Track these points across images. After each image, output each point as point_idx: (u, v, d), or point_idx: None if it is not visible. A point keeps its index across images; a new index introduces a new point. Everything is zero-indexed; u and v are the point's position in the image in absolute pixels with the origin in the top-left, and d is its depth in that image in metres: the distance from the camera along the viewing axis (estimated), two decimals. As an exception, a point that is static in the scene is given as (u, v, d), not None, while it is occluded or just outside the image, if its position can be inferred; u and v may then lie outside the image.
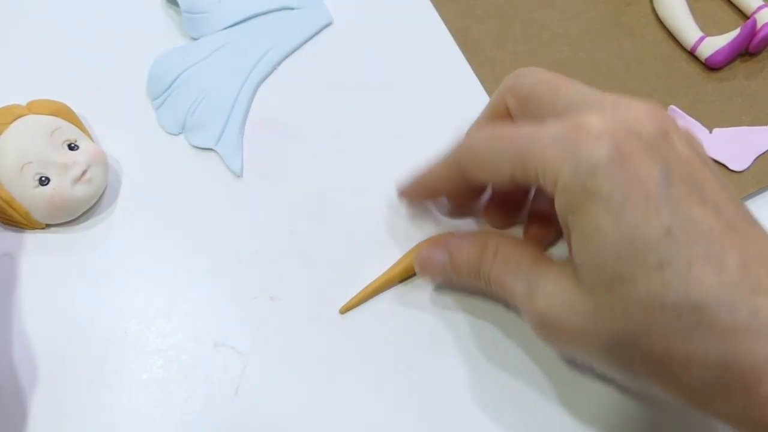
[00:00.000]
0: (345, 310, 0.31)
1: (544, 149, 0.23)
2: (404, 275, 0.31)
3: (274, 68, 0.37)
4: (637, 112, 0.23)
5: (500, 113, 0.28)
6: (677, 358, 0.21)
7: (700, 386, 0.22)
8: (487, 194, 0.31)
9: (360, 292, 0.31)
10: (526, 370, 0.30)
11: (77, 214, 0.33)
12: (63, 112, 0.33)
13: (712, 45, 0.36)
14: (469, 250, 0.28)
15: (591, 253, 0.22)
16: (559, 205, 0.23)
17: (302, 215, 0.33)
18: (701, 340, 0.21)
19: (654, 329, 0.21)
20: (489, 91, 0.36)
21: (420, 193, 0.31)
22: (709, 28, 0.37)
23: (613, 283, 0.22)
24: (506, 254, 0.27)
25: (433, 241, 0.30)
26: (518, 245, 0.27)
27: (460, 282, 0.29)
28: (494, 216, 0.31)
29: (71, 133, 0.33)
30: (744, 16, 0.38)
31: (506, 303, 0.30)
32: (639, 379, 0.23)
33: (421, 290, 0.32)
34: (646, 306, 0.21)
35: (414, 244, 0.32)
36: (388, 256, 0.32)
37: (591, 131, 0.22)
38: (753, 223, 0.23)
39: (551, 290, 0.24)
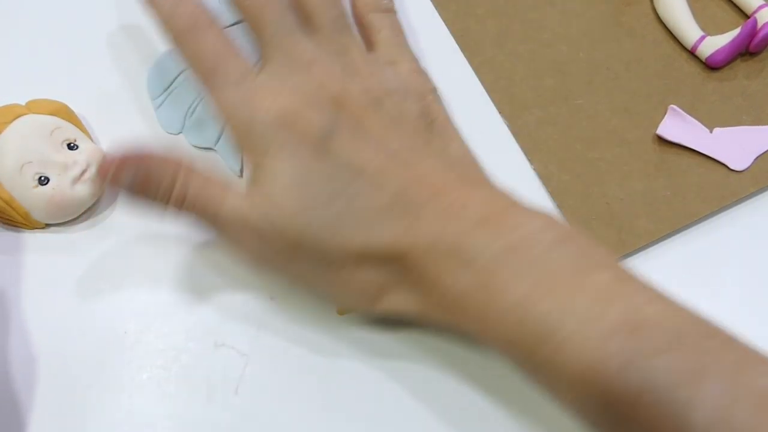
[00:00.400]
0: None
1: (231, 108, 0.29)
2: None
3: (274, 68, 0.37)
4: (320, 78, 0.29)
5: None
6: (333, 245, 0.27)
7: (364, 280, 0.28)
8: None
9: None
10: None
11: (77, 214, 0.33)
12: (62, 111, 0.33)
13: (713, 44, 0.36)
14: (163, 163, 0.28)
15: (273, 188, 0.28)
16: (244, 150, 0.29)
17: (302, 215, 0.33)
18: (352, 231, 0.27)
19: (328, 231, 0.27)
20: (488, 90, 0.36)
21: None
22: (709, 28, 0.37)
23: (296, 212, 0.27)
24: (199, 172, 0.28)
25: (120, 153, 0.28)
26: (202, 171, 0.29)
27: (146, 201, 0.28)
28: None
29: (71, 132, 0.33)
30: (744, 15, 0.38)
31: (201, 225, 0.29)
32: (308, 269, 0.28)
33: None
34: (326, 222, 0.27)
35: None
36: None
37: (266, 98, 0.28)
38: (419, 151, 0.29)
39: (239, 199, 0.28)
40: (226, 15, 0.38)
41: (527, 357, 0.25)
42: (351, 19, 0.32)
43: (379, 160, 0.27)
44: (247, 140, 0.28)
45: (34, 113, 0.32)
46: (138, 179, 0.27)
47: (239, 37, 0.37)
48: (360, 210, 0.27)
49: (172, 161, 0.28)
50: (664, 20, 0.38)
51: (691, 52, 0.37)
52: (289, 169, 0.27)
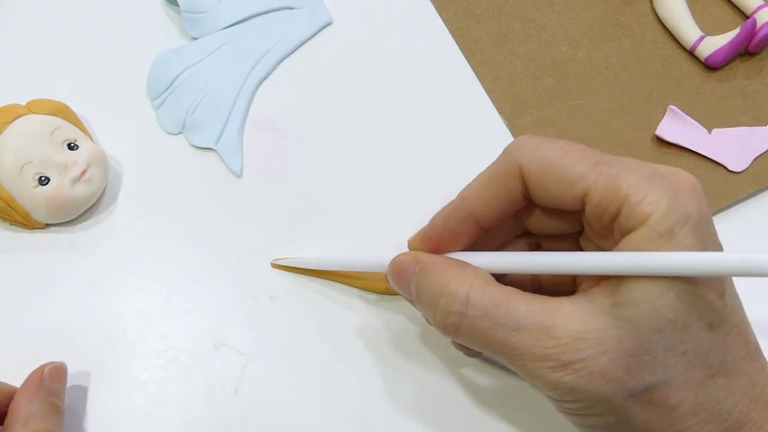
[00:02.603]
0: (277, 265, 0.32)
1: (645, 179, 0.22)
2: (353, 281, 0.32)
3: (274, 68, 0.37)
4: (692, 186, 0.23)
5: (507, 176, 0.25)
6: (702, 414, 0.22)
7: None
8: None
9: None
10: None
11: (77, 214, 0.33)
12: (63, 111, 0.33)
13: (712, 45, 0.36)
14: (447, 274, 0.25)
15: (650, 291, 0.22)
16: (632, 239, 0.22)
17: (302, 215, 0.33)
18: (726, 399, 0.23)
19: (690, 384, 0.22)
20: (488, 90, 0.36)
21: (429, 242, 0.27)
22: (708, 28, 0.37)
23: (665, 326, 0.22)
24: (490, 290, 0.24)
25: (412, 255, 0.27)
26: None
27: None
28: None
29: (71, 132, 0.33)
30: (744, 15, 0.38)
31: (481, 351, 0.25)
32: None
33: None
34: (690, 359, 0.22)
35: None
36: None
37: (687, 183, 0.23)
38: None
39: (573, 327, 0.22)
40: (226, 15, 0.38)
41: None
42: None
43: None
44: (658, 225, 0.22)
45: (34, 113, 0.33)
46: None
47: (240, 36, 0.37)
48: (730, 354, 0.23)
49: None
50: (663, 20, 0.38)
51: (691, 53, 0.37)
52: None
